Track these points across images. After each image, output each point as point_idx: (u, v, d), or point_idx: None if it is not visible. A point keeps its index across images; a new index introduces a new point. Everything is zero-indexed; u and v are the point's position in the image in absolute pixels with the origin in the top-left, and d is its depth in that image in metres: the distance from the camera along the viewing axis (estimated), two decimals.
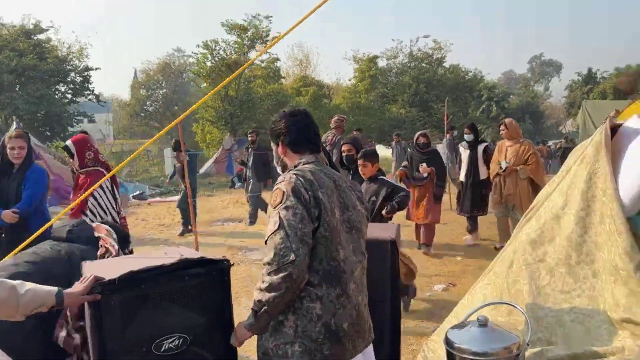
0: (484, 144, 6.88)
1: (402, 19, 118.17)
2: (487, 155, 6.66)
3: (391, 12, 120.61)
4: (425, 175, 6.31)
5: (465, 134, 6.96)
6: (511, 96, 45.02)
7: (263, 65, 23.13)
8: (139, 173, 22.67)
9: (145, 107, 34.30)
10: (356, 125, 24.46)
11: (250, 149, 9.23)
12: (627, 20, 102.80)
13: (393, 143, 15.74)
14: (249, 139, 9.54)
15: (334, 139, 7.18)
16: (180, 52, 47.13)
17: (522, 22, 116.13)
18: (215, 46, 19.99)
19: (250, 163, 9.08)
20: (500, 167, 6.02)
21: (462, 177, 7.02)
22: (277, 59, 24.11)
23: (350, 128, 23.84)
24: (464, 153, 6.90)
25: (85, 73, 22.01)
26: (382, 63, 28.11)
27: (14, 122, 12.76)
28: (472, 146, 6.80)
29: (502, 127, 6.23)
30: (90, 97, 22.90)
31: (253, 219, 8.92)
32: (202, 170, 20.96)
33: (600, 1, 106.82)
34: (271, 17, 20.20)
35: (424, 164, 6.26)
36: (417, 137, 6.63)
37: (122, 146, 27.51)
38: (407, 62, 28.03)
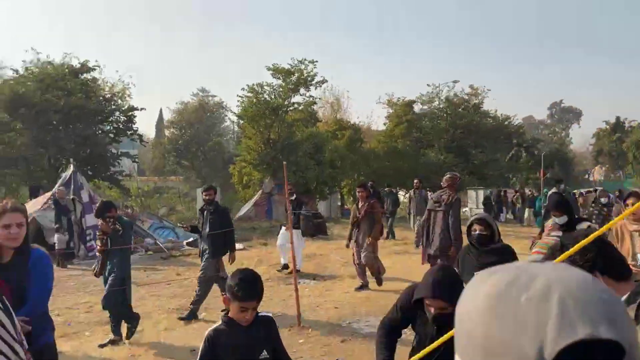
0: (585, 224, 4.45)
1: (424, 65, 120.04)
2: None
3: (415, 58, 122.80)
4: None
5: (554, 215, 4.43)
6: (541, 143, 44.89)
7: (301, 108, 23.11)
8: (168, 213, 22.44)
9: (178, 146, 34.50)
10: (393, 170, 24.39)
11: (206, 211, 6.91)
12: None
13: (411, 191, 14.15)
14: (205, 197, 7.01)
15: (450, 199, 6.79)
16: (205, 92, 48.05)
17: (542, 68, 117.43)
18: (261, 90, 20.00)
19: (206, 229, 6.79)
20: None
21: None
22: (314, 102, 24.12)
23: (387, 173, 23.83)
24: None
25: (130, 113, 22.16)
26: (416, 107, 28.10)
27: (70, 164, 12.60)
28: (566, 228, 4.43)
29: (630, 201, 4.24)
30: (134, 137, 23.01)
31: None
32: (240, 213, 20.71)
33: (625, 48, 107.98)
34: (316, 61, 20.27)
35: None
36: (470, 222, 3.98)
37: (155, 183, 27.75)
38: (443, 107, 27.98)
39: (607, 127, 43.04)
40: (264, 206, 21.00)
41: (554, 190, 12.32)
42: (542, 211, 14.19)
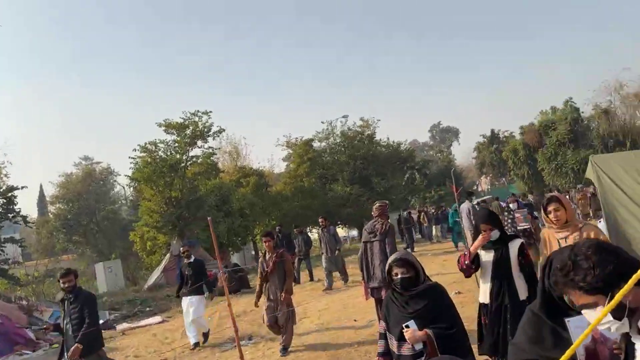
0: (518, 241, 4.18)
1: (316, 105, 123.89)
2: (525, 258, 4.13)
3: (307, 98, 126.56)
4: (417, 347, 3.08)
5: (485, 229, 4.13)
6: (430, 163, 47.64)
7: (200, 161, 22.30)
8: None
9: (66, 221, 31.49)
10: (303, 209, 24.25)
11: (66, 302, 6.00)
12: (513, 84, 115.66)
13: (319, 230, 13.40)
14: (63, 285, 5.88)
15: (384, 227, 6.60)
16: (88, 160, 44.98)
17: (419, 93, 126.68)
18: (155, 148, 18.97)
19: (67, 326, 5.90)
20: None
21: (482, 299, 4.33)
22: (213, 153, 23.43)
23: (298, 213, 23.61)
24: (484, 256, 4.23)
25: (9, 194, 19.74)
26: (315, 145, 28.51)
27: None
28: (499, 245, 4.17)
29: (551, 207, 3.91)
30: (17, 219, 20.45)
31: None
32: (150, 282, 19.11)
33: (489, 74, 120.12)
34: (210, 112, 19.77)
35: (410, 325, 3.08)
36: (389, 267, 3.29)
37: (46, 266, 24.65)
38: (340, 142, 28.67)
39: (485, 140, 46.92)
40: (174, 270, 19.56)
41: (466, 203, 12.82)
42: (460, 223, 14.70)
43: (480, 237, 4.09)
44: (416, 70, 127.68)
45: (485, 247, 4.14)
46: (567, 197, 23.28)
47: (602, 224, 11.59)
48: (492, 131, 46.82)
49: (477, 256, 4.19)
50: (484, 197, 30.77)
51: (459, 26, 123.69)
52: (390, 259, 3.31)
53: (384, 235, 6.52)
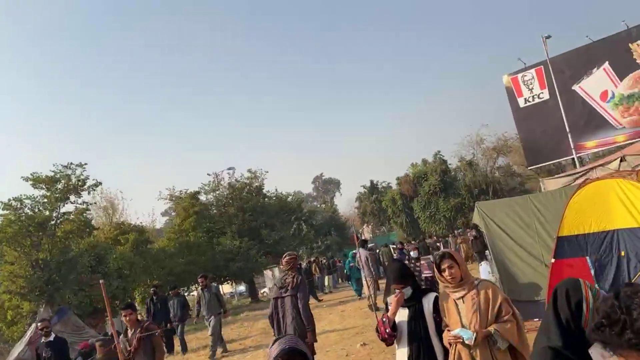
0: (432, 295, 3.83)
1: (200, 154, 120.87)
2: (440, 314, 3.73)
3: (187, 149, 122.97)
4: None
5: (397, 287, 3.79)
6: (316, 213, 48.42)
7: (72, 217, 20.25)
8: None
9: None
10: (189, 266, 22.90)
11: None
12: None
13: (198, 289, 11.98)
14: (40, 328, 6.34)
15: (295, 281, 6.32)
16: None
17: (302, 147, 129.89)
18: (21, 204, 16.85)
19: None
20: (460, 339, 3.43)
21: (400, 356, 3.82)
22: (87, 209, 21.45)
23: (185, 270, 22.23)
24: (398, 315, 3.83)
25: None
26: (202, 197, 27.55)
27: None
28: (412, 302, 3.81)
29: (445, 265, 3.56)
30: None
31: None
32: (11, 358, 16.43)
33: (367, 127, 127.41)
34: (85, 164, 18.19)
35: None
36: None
37: None
38: (228, 194, 28.01)
39: (365, 190, 49.22)
40: None
41: (363, 250, 12.98)
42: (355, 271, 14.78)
43: (393, 300, 3.70)
44: (298, 119, 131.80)
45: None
46: (447, 242, 24.97)
47: (483, 267, 12.50)
48: (372, 182, 49.39)
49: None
50: (369, 245, 31.92)
51: (331, 83, 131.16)
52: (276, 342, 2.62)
53: (295, 290, 6.23)
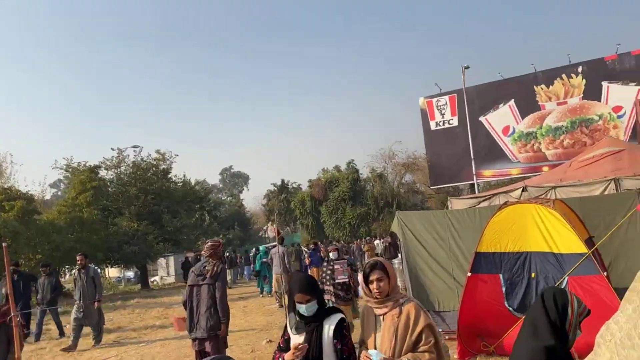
0: (337, 317, 3.10)
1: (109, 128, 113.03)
2: (345, 341, 3.09)
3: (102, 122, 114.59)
4: None
5: (299, 302, 3.08)
6: (223, 206, 47.27)
7: None
8: None
9: None
10: (79, 244, 21.14)
11: None
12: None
13: (75, 271, 10.64)
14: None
15: (215, 269, 5.93)
16: None
17: (212, 138, 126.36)
18: None
19: None
20: None
21: None
22: None
23: (74, 247, 20.47)
24: (292, 339, 3.11)
25: None
26: (102, 173, 25.62)
27: None
28: (312, 323, 3.11)
29: (374, 277, 3.06)
30: None
31: None
32: None
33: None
34: None
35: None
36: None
37: None
38: (131, 173, 26.30)
39: (275, 188, 48.99)
40: None
41: (280, 247, 12.72)
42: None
43: (295, 349, 2.95)
44: (211, 110, 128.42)
45: (297, 327, 3.08)
46: (351, 248, 25.46)
47: (396, 266, 12.91)
48: (283, 181, 49.30)
49: (288, 339, 3.13)
50: (272, 244, 31.68)
51: (258, 75, 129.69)
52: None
53: (214, 279, 5.85)
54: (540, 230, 6.25)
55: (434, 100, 30.90)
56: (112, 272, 37.32)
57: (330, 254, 8.28)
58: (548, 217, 6.20)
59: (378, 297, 3.06)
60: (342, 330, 3.05)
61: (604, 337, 4.35)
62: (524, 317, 2.44)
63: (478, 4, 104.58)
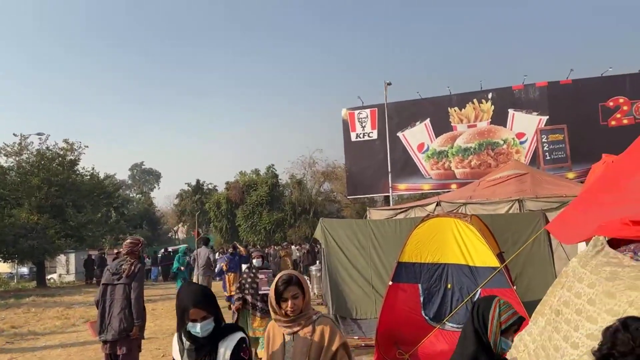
0: (236, 337, 2.65)
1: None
2: None
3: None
4: None
5: (193, 319, 2.55)
6: (132, 203, 44.93)
7: None
8: None
9: None
10: None
11: None
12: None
13: None
14: None
15: (133, 268, 5.61)
16: None
17: (124, 128, 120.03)
18: None
19: None
20: None
21: None
22: None
23: None
24: None
25: None
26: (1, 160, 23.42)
27: None
28: (204, 347, 2.64)
29: (289, 293, 2.75)
30: None
31: None
32: None
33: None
34: None
35: None
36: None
37: None
38: (34, 161, 24.25)
39: (190, 188, 47.54)
40: None
41: (204, 249, 12.30)
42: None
43: None
44: (126, 104, 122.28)
45: (188, 354, 2.56)
46: (267, 253, 25.25)
47: (313, 273, 12.96)
48: (198, 181, 47.99)
49: None
50: (179, 246, 30.62)
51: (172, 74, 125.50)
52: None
53: (130, 279, 5.54)
54: (457, 243, 6.60)
55: (356, 112, 31.68)
56: (3, 267, 34.12)
57: (254, 261, 7.29)
58: (465, 231, 6.57)
59: (291, 315, 2.76)
60: (239, 353, 2.55)
61: (518, 348, 4.67)
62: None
63: (407, 19, 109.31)
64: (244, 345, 2.60)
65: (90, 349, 8.35)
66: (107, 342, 5.49)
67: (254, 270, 7.25)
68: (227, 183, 40.49)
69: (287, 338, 2.80)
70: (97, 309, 5.61)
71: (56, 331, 10.41)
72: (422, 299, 6.66)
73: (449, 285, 6.58)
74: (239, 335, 2.60)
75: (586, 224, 4.85)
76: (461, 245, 6.57)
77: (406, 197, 32.76)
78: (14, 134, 25.10)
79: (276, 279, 2.83)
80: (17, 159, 24.36)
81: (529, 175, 12.57)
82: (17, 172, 24.02)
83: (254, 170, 41.70)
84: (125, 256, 5.71)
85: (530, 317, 4.22)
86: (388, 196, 30.12)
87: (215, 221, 39.97)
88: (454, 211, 9.79)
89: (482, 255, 6.42)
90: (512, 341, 2.33)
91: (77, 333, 10.03)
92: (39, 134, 25.17)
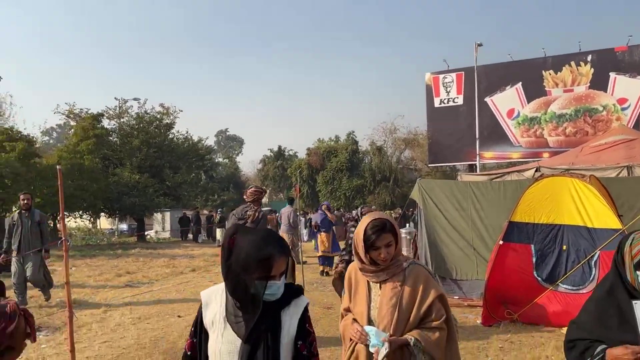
0: (303, 303, 1.93)
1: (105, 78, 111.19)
2: (310, 342, 1.93)
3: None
4: None
5: (269, 279, 1.80)
6: (219, 167, 46.99)
7: None
8: None
9: None
10: (79, 191, 21.00)
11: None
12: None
13: (15, 213, 8.95)
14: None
15: (257, 215, 5.96)
16: None
17: (210, 99, 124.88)
18: None
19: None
20: (366, 339, 2.39)
21: None
22: None
23: (73, 194, 20.35)
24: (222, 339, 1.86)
25: None
26: (104, 122, 25.28)
27: None
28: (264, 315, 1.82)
29: (383, 242, 2.40)
30: None
31: None
32: None
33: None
34: None
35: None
36: None
37: None
38: (134, 124, 25.98)
39: (272, 154, 48.82)
40: None
41: (287, 208, 12.76)
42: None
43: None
44: (212, 75, 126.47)
45: (235, 319, 1.80)
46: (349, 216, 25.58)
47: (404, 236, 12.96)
48: (280, 147, 49.12)
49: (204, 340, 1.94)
50: (267, 208, 31.74)
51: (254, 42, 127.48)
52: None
53: (255, 224, 5.89)
54: (575, 204, 6.34)
55: (441, 77, 30.63)
56: (104, 224, 37.26)
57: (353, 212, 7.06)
58: (584, 191, 6.28)
59: (382, 264, 2.43)
60: (306, 324, 1.90)
61: None
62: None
63: None
64: (308, 314, 1.93)
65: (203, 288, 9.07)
66: None
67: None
68: (308, 149, 41.11)
69: (373, 286, 2.49)
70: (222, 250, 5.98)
71: (167, 277, 11.31)
72: (534, 259, 6.51)
73: (564, 247, 6.37)
74: (305, 300, 1.92)
75: None
76: (579, 205, 6.30)
77: (490, 166, 31.57)
78: (115, 98, 26.84)
79: (365, 223, 2.44)
80: (118, 121, 26.18)
81: (638, 140, 11.64)
82: (118, 134, 25.86)
83: (335, 137, 41.93)
84: (249, 203, 6.05)
85: None
86: (472, 165, 29.10)
87: (300, 188, 40.93)
88: (570, 171, 9.33)
89: (602, 217, 6.12)
90: None
91: (187, 281, 10.84)
92: (135, 98, 26.84)
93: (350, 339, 2.47)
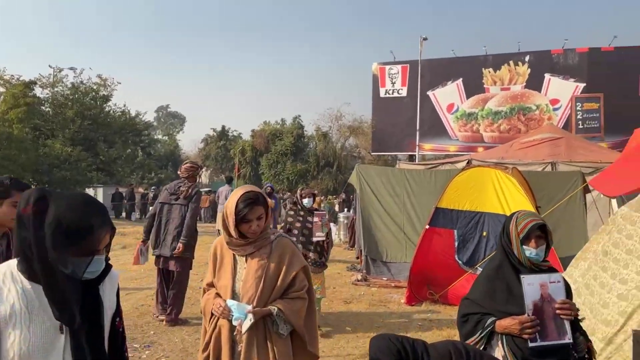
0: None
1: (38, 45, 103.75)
2: None
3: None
4: None
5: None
6: (158, 143, 45.57)
7: None
8: None
9: None
10: (6, 161, 19.84)
11: None
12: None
13: None
14: None
15: (190, 191, 5.90)
16: None
17: (151, 74, 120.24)
18: None
19: None
20: (228, 313, 2.47)
21: None
22: None
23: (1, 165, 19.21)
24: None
25: None
26: (37, 90, 23.88)
27: None
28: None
29: (256, 213, 2.43)
30: None
31: None
32: None
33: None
34: None
35: None
36: None
37: None
38: (69, 94, 24.71)
39: (215, 134, 47.90)
40: None
41: (226, 187, 12.67)
42: None
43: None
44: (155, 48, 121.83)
45: (51, 294, 1.47)
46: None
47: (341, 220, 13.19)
48: (223, 127, 48.29)
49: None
50: (205, 189, 31.24)
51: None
52: None
53: (188, 200, 5.84)
54: (496, 193, 6.75)
55: (387, 67, 31.14)
56: None
57: (305, 201, 5.68)
58: (505, 182, 6.70)
59: (251, 237, 2.43)
60: (119, 299, 1.78)
61: None
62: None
63: None
64: (119, 286, 1.80)
65: (131, 269, 8.88)
66: (161, 257, 5.86)
67: (301, 213, 5.68)
68: (252, 131, 40.70)
69: (239, 259, 2.48)
70: (150, 225, 5.92)
71: None
72: (456, 244, 6.89)
73: (485, 233, 6.78)
74: (116, 272, 1.71)
75: (631, 178, 4.94)
76: (500, 195, 6.72)
77: (429, 157, 32.57)
78: (49, 66, 25.42)
79: (237, 196, 2.42)
80: (52, 90, 24.85)
81: (564, 139, 12.46)
82: (51, 103, 24.57)
83: (281, 121, 41.76)
84: (184, 179, 5.99)
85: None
86: (412, 155, 29.90)
87: (240, 167, 40.50)
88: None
89: (520, 206, 6.51)
90: (537, 249, 2.37)
91: (116, 257, 10.58)
92: (71, 68, 25.54)
93: (212, 314, 2.47)
